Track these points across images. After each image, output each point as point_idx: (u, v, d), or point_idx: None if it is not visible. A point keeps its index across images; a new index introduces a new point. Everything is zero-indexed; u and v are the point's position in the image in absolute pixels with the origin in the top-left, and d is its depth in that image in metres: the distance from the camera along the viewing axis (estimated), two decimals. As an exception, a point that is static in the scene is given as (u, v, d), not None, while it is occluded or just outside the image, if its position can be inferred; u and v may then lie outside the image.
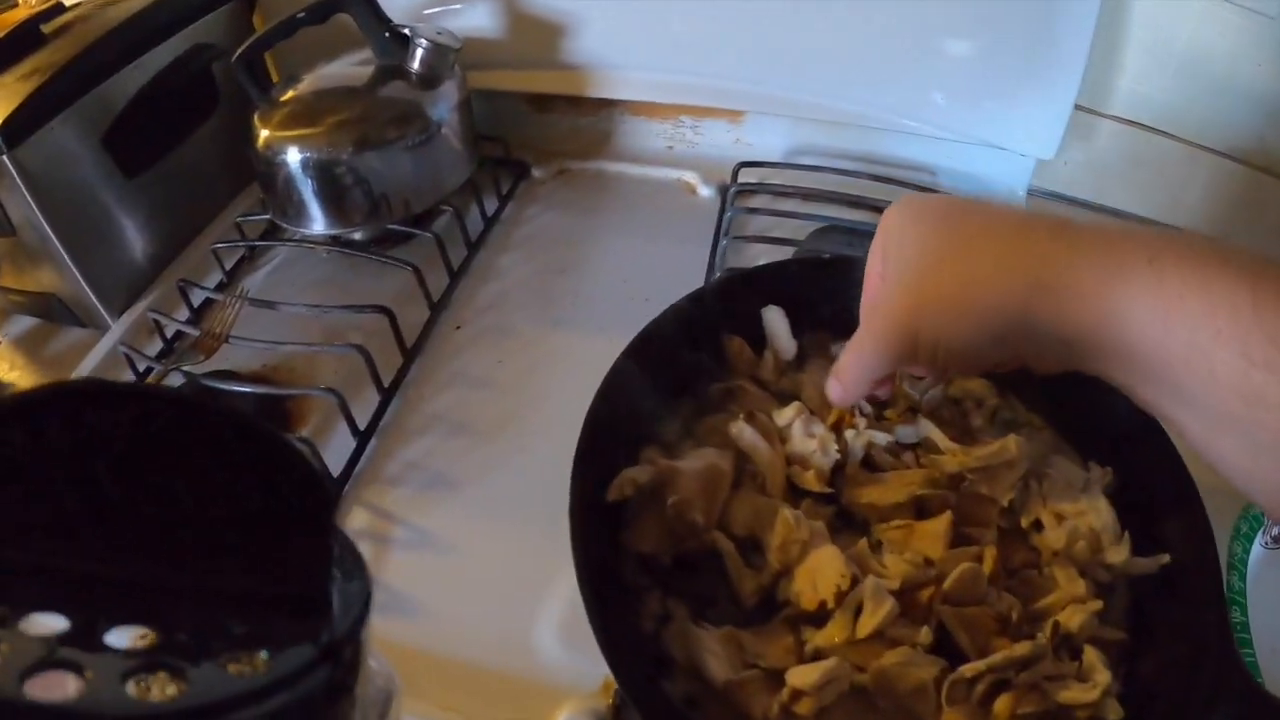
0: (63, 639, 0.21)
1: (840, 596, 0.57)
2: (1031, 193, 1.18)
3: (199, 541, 0.24)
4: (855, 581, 0.57)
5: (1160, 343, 0.43)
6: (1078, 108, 1.11)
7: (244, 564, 0.24)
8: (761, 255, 0.98)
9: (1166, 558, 0.62)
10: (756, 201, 1.09)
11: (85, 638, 0.21)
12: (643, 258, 1.03)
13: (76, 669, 0.20)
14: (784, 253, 0.97)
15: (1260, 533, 0.75)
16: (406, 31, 0.97)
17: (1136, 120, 1.13)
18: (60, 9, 1.03)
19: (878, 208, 1.06)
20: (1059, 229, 0.48)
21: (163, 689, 0.20)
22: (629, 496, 0.62)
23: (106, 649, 0.21)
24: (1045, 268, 0.46)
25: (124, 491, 0.23)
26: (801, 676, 0.54)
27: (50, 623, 0.21)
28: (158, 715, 0.20)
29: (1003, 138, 1.10)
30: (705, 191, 1.15)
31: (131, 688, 0.20)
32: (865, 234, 0.99)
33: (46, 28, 0.98)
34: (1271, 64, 1.02)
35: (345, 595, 0.24)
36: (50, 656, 0.20)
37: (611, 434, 0.65)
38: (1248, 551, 0.75)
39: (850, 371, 0.57)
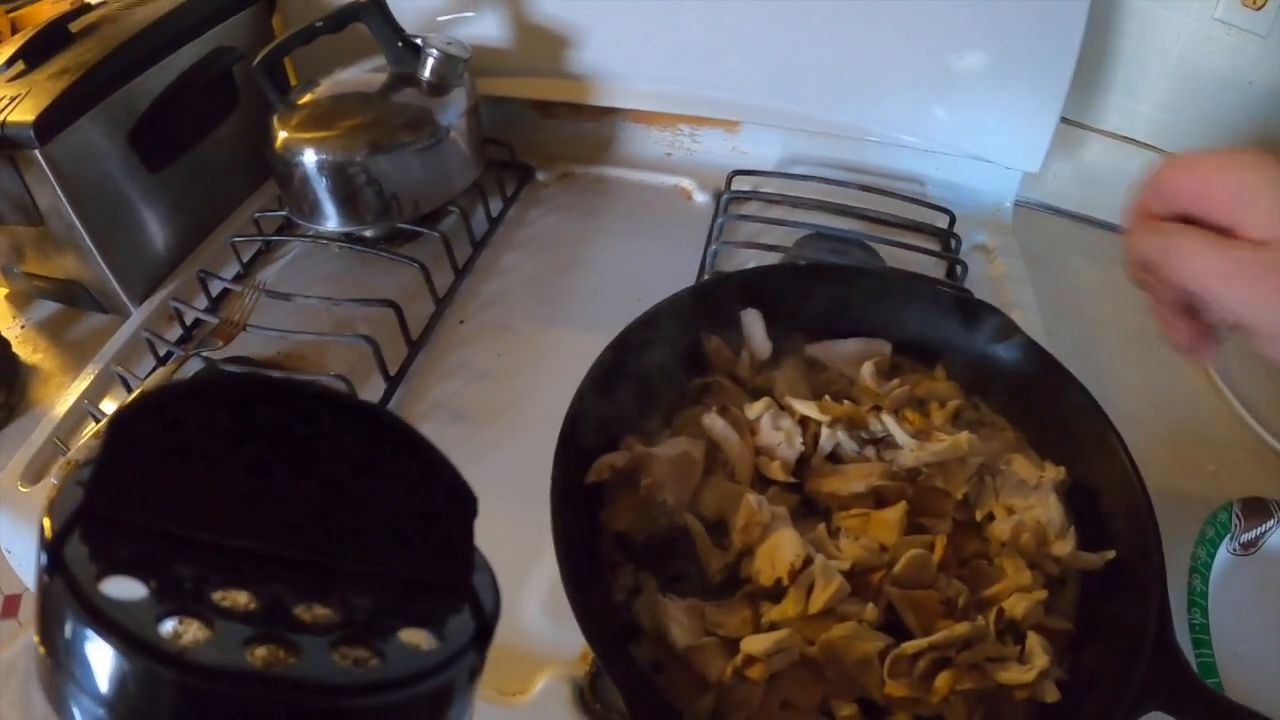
0: (260, 614, 0.22)
1: (794, 574, 0.62)
2: (1019, 204, 1.20)
3: (360, 531, 0.25)
4: (809, 561, 0.62)
5: None
6: (1066, 121, 1.14)
7: (400, 553, 0.25)
8: (750, 260, 1.02)
9: (1112, 553, 0.66)
10: (749, 208, 1.13)
11: (278, 614, 0.22)
12: (638, 260, 1.07)
13: (289, 643, 0.21)
14: (772, 258, 1.01)
15: (1227, 539, 0.78)
16: (418, 41, 1.02)
17: (1125, 135, 1.16)
18: (86, 8, 1.08)
19: (864, 216, 1.10)
20: None
21: (365, 661, 0.22)
22: (606, 479, 0.67)
23: (302, 625, 0.22)
24: None
25: (290, 479, 0.25)
26: (754, 644, 0.59)
27: (239, 599, 0.22)
28: (373, 685, 0.21)
29: (990, 151, 1.13)
30: (701, 197, 1.19)
31: (338, 659, 0.22)
32: (849, 241, 1.04)
33: (74, 26, 1.02)
34: (1262, 82, 1.04)
35: (482, 584, 0.26)
36: (264, 630, 0.21)
37: (594, 423, 0.70)
38: (1212, 556, 0.77)
39: (1190, 269, 0.53)
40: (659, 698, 0.60)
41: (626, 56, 1.15)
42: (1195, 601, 0.74)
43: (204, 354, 0.91)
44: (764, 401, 0.73)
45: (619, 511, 0.67)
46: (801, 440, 0.71)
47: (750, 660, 0.59)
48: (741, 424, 0.72)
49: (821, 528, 0.67)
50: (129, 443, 0.23)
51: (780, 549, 0.63)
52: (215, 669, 0.20)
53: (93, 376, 0.92)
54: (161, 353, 0.93)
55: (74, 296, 1.05)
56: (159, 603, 0.21)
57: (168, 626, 0.20)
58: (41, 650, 0.21)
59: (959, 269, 1.03)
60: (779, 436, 0.71)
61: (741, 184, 1.15)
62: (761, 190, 1.14)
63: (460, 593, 0.25)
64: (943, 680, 0.59)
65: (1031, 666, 0.60)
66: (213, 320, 0.95)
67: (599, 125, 1.27)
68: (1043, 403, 0.76)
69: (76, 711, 0.20)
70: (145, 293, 1.04)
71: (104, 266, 0.99)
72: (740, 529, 0.65)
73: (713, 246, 1.02)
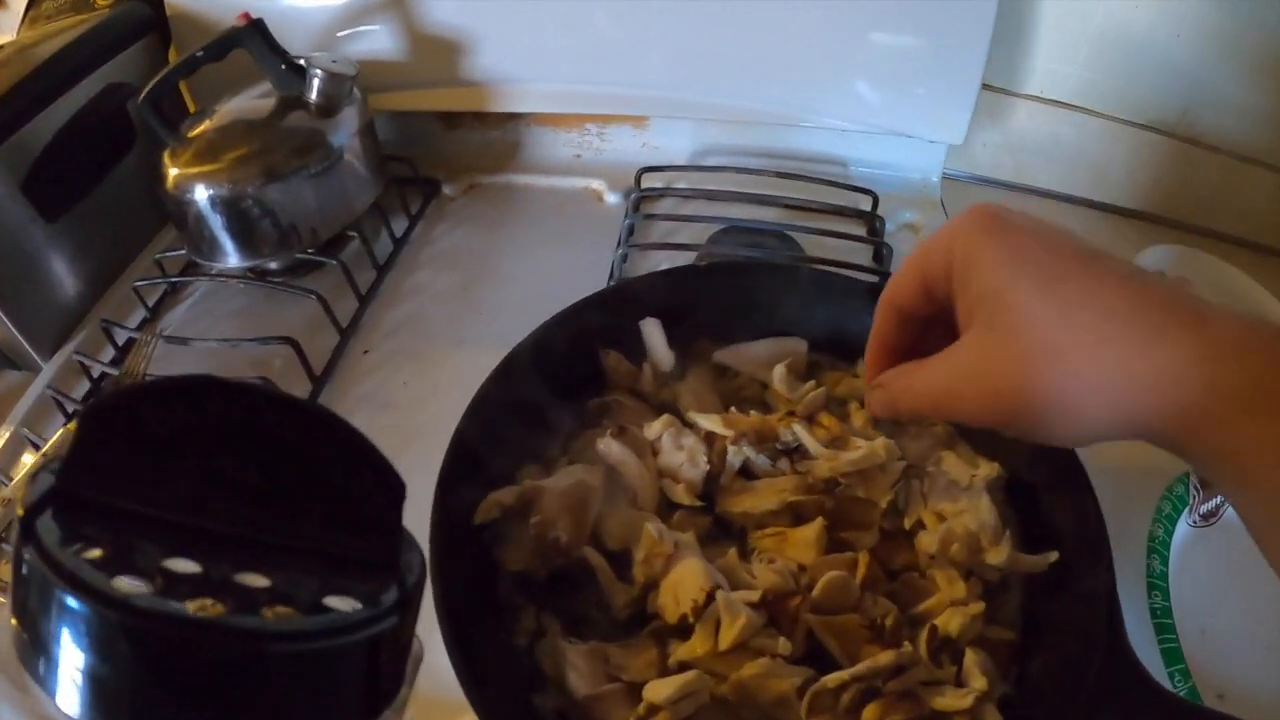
0: (203, 578, 0.25)
1: (698, 609, 0.58)
2: (949, 178, 1.18)
3: (299, 512, 0.29)
4: (714, 594, 0.58)
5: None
6: (990, 88, 1.11)
7: (334, 532, 0.29)
8: (663, 261, 0.99)
9: (1055, 555, 0.62)
10: (661, 206, 1.10)
11: (219, 579, 0.26)
12: (550, 269, 1.04)
13: (223, 598, 0.24)
14: (684, 258, 0.98)
15: (1186, 511, 0.76)
16: (302, 62, 0.98)
17: (1053, 98, 1.14)
18: (-17, 53, 1.04)
19: (783, 204, 1.07)
20: (1195, 340, 0.42)
21: (286, 617, 0.25)
22: (496, 518, 0.64)
23: (238, 587, 0.26)
24: (1190, 402, 0.42)
25: (237, 467, 0.28)
26: (656, 691, 0.55)
27: (187, 566, 0.26)
28: (293, 633, 0.25)
29: (910, 125, 1.10)
30: (612, 198, 1.16)
31: (267, 614, 0.25)
32: (766, 233, 1.01)
33: (-31, 72, 0.98)
34: (1190, 34, 1.02)
35: (408, 562, 0.29)
36: (200, 586, 0.25)
37: (485, 457, 0.66)
38: (1170, 534, 0.75)
39: (915, 403, 0.54)
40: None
41: (527, 59, 1.12)
42: (1155, 584, 0.72)
43: (106, 409, 0.87)
44: (664, 419, 0.69)
45: (514, 551, 0.64)
46: (706, 458, 0.67)
47: (654, 709, 0.55)
48: (641, 445, 0.69)
49: (733, 553, 0.63)
50: (97, 433, 0.27)
51: (684, 582, 0.59)
52: (153, 611, 0.23)
53: (3, 441, 0.90)
54: (69, 410, 0.90)
55: (-17, 355, 1.01)
56: (113, 564, 0.24)
57: (119, 582, 0.24)
58: (15, 624, 0.25)
59: (885, 251, 1.00)
60: (681, 456, 0.67)
61: (652, 180, 1.12)
62: (674, 186, 1.11)
63: (388, 569, 0.29)
64: (870, 713, 0.55)
65: (969, 690, 0.56)
66: (115, 373, 0.91)
67: (504, 132, 1.24)
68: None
69: (52, 677, 0.24)
70: (55, 345, 1.01)
71: (8, 324, 0.96)
72: (641, 562, 0.61)
73: (621, 250, 0.99)
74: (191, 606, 0.24)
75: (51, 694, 0.24)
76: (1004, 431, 0.49)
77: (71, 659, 0.23)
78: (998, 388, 0.47)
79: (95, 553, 0.24)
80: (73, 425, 0.84)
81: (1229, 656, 0.70)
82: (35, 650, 0.24)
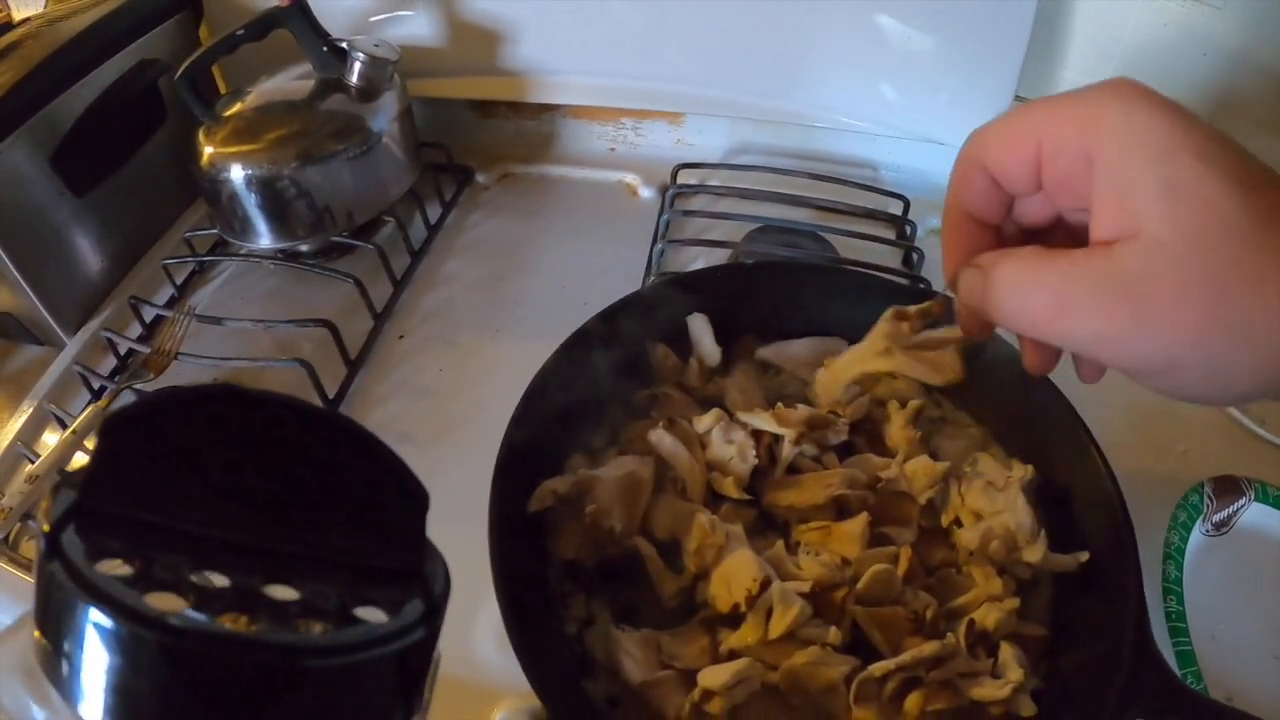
0: (232, 592, 0.25)
1: (751, 599, 0.59)
2: (976, 184, 1.19)
3: (323, 523, 0.29)
4: (767, 585, 0.59)
5: None
6: (1022, 99, 1.12)
7: (359, 543, 0.29)
8: (699, 257, 0.99)
9: (1085, 555, 0.63)
10: (695, 202, 1.10)
11: (248, 592, 0.26)
12: (583, 262, 1.04)
13: (256, 613, 0.25)
14: (720, 254, 0.99)
15: (1199, 520, 0.77)
16: (344, 45, 0.98)
17: (1081, 112, 1.15)
18: (9, 26, 1.03)
19: (816, 206, 1.07)
20: None
21: (320, 630, 0.25)
22: (550, 506, 0.64)
23: (268, 600, 0.26)
24: None
25: (259, 477, 0.28)
26: (712, 677, 0.56)
27: (215, 579, 0.26)
28: (327, 647, 0.25)
29: (941, 133, 1.10)
30: (646, 193, 1.16)
31: (300, 627, 0.25)
32: (801, 233, 1.01)
33: (-1, 44, 0.98)
34: (1218, 54, 1.03)
35: (433, 572, 0.29)
36: (230, 600, 0.25)
37: (535, 445, 0.67)
38: (1185, 541, 0.75)
39: (1022, 305, 0.41)
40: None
41: (564, 51, 1.12)
42: (1170, 589, 0.72)
43: (136, 386, 0.87)
44: (713, 414, 0.70)
45: (566, 539, 0.64)
46: (755, 453, 0.68)
47: (708, 694, 0.56)
48: (691, 438, 0.69)
49: (780, 544, 0.64)
50: (118, 445, 0.26)
51: (736, 573, 0.60)
52: (189, 629, 0.23)
53: (27, 415, 0.89)
54: (95, 386, 0.90)
55: (7, 329, 1.01)
56: (143, 580, 0.24)
57: (151, 598, 0.23)
58: (39, 636, 0.24)
59: (915, 256, 1.01)
60: (731, 450, 0.68)
61: (687, 177, 1.12)
62: (708, 183, 1.11)
63: (413, 579, 0.29)
64: (913, 701, 0.57)
65: (1006, 681, 0.58)
66: (145, 350, 0.91)
67: (539, 123, 1.24)
68: (1007, 396, 0.73)
69: (76, 685, 0.24)
70: (80, 321, 1.00)
71: (34, 298, 0.95)
72: (693, 552, 0.62)
73: (658, 245, 0.99)
74: (227, 622, 0.24)
75: (75, 704, 0.24)
76: (1130, 372, 0.40)
77: (99, 672, 0.23)
78: (1148, 311, 0.36)
79: (124, 569, 0.24)
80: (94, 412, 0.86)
81: (1238, 661, 0.71)
82: (59, 661, 0.24)
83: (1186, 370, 0.37)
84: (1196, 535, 0.77)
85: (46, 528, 0.25)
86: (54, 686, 0.24)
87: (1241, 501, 0.78)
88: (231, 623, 0.24)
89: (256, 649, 0.24)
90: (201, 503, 0.27)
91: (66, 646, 0.24)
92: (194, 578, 0.25)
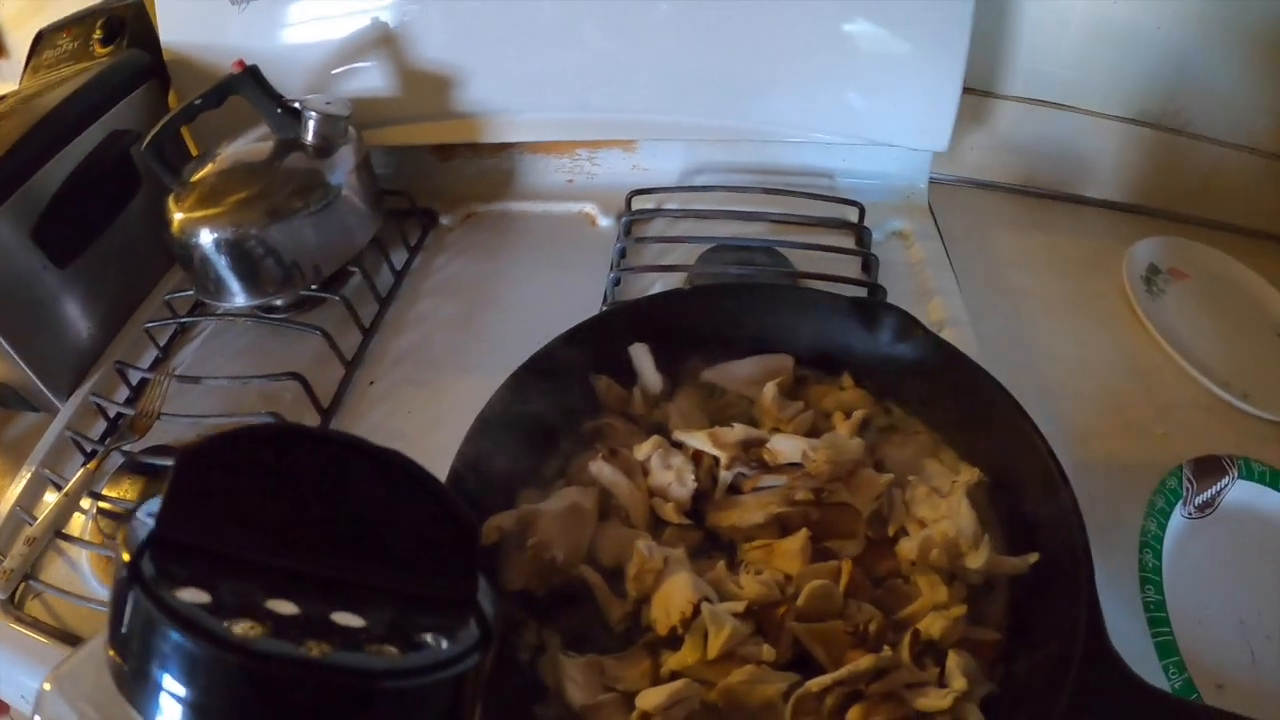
0: (304, 619, 0.28)
1: (687, 621, 0.61)
2: (938, 182, 1.20)
3: (382, 554, 0.31)
4: (699, 607, 0.61)
5: None
6: (973, 91, 1.13)
7: (409, 571, 0.31)
8: (655, 283, 1.01)
9: (1035, 556, 0.64)
10: (652, 227, 1.12)
11: (318, 618, 0.28)
12: (546, 294, 1.06)
13: (331, 639, 0.27)
14: (676, 279, 1.01)
15: (1180, 504, 0.76)
16: (297, 105, 1.01)
17: (1037, 97, 1.15)
18: (-14, 105, 1.07)
19: (772, 220, 1.09)
20: None
21: (390, 654, 0.27)
22: (496, 541, 0.66)
23: (337, 626, 0.28)
24: None
25: (319, 510, 0.30)
26: (649, 699, 0.58)
27: (287, 607, 0.28)
28: (400, 670, 0.27)
29: (894, 135, 1.11)
30: (604, 221, 1.18)
31: (371, 652, 0.27)
32: (754, 249, 1.03)
33: (-25, 124, 1.01)
34: (1171, 24, 1.04)
35: (484, 599, 0.32)
36: (304, 627, 0.27)
37: (483, 483, 0.69)
38: (1163, 528, 0.75)
39: None
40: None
41: (516, 89, 1.14)
42: (1149, 578, 0.72)
43: (123, 449, 0.91)
44: (653, 441, 0.72)
45: (513, 571, 0.66)
46: (694, 476, 0.70)
47: (646, 716, 0.58)
48: (632, 466, 0.71)
49: (721, 565, 0.66)
50: (191, 480, 0.29)
51: (672, 596, 0.62)
52: (273, 655, 0.25)
53: (25, 481, 0.92)
54: (87, 450, 0.93)
55: (4, 398, 1.04)
56: (222, 606, 0.26)
57: (231, 624, 0.26)
58: (115, 656, 0.26)
59: (873, 262, 1.02)
60: (670, 476, 0.70)
61: (643, 203, 1.14)
62: (664, 207, 1.13)
63: (465, 606, 0.31)
64: (854, 715, 0.58)
65: (949, 691, 0.58)
66: (131, 413, 0.94)
67: (498, 160, 1.26)
68: (956, 399, 0.74)
69: (157, 702, 0.25)
70: (71, 386, 1.03)
71: (26, 368, 0.99)
72: (633, 578, 0.64)
73: (613, 274, 1.01)
74: (306, 647, 0.26)
75: None
76: None
77: (179, 692, 0.25)
78: None
79: (203, 597, 0.27)
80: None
81: (1227, 647, 0.70)
82: (137, 681, 0.26)
83: None
84: (1178, 520, 0.76)
85: (127, 556, 0.27)
86: (130, 704, 0.26)
87: (1225, 481, 0.78)
88: (314, 649, 0.26)
89: (337, 673, 0.26)
90: (267, 533, 0.30)
91: (146, 667, 0.26)
92: (267, 605, 0.28)
